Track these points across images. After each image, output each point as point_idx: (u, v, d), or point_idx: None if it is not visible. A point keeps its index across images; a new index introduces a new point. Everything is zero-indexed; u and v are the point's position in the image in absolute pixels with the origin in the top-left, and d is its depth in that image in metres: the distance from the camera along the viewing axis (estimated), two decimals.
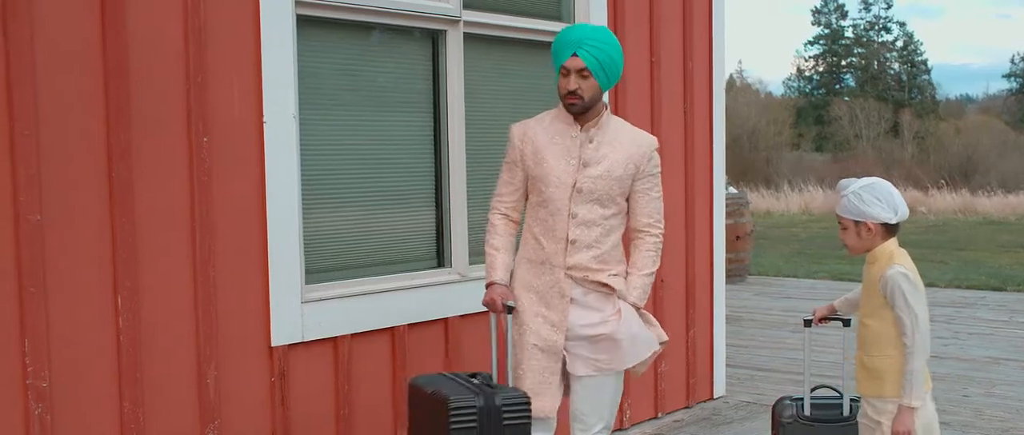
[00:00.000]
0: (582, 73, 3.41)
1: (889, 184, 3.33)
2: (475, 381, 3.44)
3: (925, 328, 3.20)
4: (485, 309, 3.46)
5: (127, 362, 3.40)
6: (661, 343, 3.62)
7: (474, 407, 3.24)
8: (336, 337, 4.00)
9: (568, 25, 3.59)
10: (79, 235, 3.28)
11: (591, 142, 3.49)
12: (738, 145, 34.59)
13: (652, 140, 3.57)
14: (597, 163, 3.47)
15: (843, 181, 3.41)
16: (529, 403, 3.37)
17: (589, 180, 3.45)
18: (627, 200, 3.54)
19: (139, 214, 3.42)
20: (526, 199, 3.62)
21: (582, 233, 3.46)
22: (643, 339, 3.55)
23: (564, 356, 3.52)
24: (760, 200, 24.77)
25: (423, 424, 3.41)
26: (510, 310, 3.50)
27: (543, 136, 3.52)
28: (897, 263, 3.25)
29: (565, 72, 3.42)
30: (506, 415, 3.27)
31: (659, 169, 3.57)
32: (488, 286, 3.56)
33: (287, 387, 3.85)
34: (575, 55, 3.40)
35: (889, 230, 3.31)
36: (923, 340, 3.20)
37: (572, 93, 3.42)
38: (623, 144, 3.50)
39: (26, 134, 3.13)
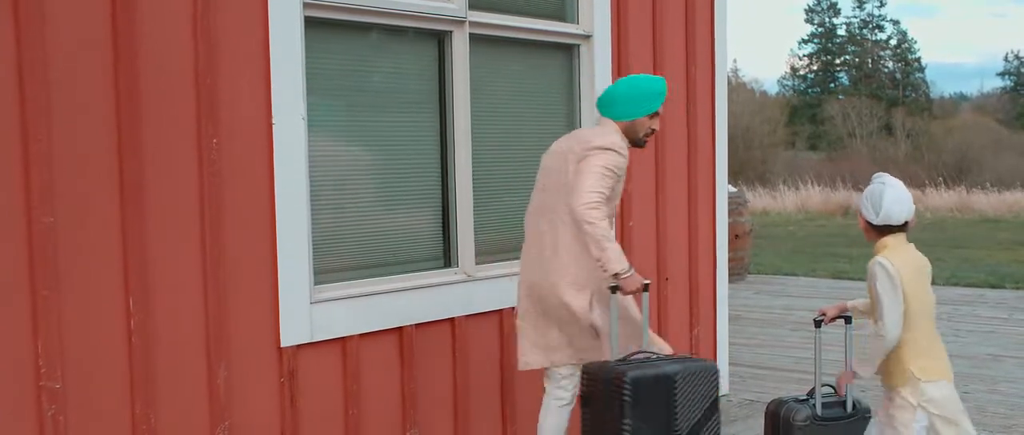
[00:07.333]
0: None
1: (893, 190, 3.50)
2: (660, 357, 3.78)
3: (890, 320, 3.40)
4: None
5: (139, 362, 3.41)
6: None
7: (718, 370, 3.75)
8: (345, 337, 4.02)
9: (650, 76, 4.04)
10: (91, 237, 3.29)
11: None
12: (733, 144, 34.49)
13: None
14: None
15: (879, 173, 3.65)
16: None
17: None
18: None
19: (150, 216, 3.43)
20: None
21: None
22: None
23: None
24: (756, 199, 24.79)
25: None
26: (647, 288, 3.81)
27: None
28: (882, 255, 3.47)
29: (657, 115, 3.96)
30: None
31: None
32: (628, 276, 3.71)
33: (296, 387, 3.86)
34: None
35: (876, 229, 3.53)
36: (888, 331, 3.41)
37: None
38: None
39: (39, 138, 3.14)
